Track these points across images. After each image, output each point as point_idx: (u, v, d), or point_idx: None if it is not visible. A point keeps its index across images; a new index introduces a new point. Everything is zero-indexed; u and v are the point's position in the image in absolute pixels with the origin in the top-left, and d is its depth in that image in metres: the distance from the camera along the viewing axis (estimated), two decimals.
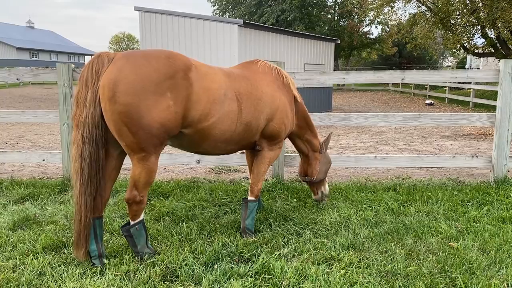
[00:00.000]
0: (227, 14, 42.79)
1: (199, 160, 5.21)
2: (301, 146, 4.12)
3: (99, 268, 2.84)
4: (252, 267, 2.87)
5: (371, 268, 2.89)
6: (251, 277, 2.76)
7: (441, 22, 18.15)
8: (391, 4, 20.27)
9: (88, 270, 2.83)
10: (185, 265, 2.90)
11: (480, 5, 16.50)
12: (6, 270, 2.83)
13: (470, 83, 19.06)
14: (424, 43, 20.34)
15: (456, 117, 5.09)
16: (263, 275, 2.79)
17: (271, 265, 2.87)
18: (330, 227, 3.64)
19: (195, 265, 2.89)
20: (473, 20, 17.43)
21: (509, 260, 2.99)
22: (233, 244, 3.25)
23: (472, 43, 19.54)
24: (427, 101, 21.07)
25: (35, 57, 57.58)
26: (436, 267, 2.89)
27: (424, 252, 3.14)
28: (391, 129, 11.67)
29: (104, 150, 2.88)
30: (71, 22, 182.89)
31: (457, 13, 18.14)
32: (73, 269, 2.84)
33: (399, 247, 3.23)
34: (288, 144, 6.60)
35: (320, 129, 11.58)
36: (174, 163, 5.29)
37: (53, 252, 3.12)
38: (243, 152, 4.52)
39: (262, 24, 20.66)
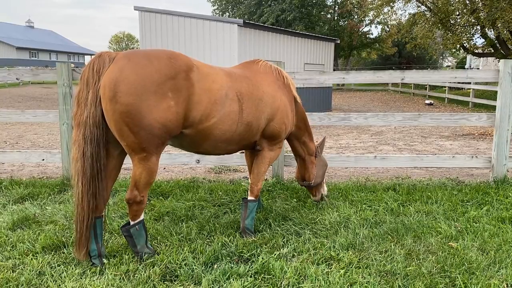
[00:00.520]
0: (227, 14, 42.79)
1: (198, 160, 5.21)
2: (298, 148, 4.14)
3: (98, 268, 2.84)
4: (252, 267, 2.87)
5: (370, 268, 2.89)
6: (250, 277, 2.76)
7: (441, 22, 18.15)
8: (391, 4, 20.28)
9: (88, 270, 2.83)
10: (185, 265, 2.90)
11: (480, 5, 16.51)
12: (6, 270, 2.82)
13: (469, 83, 19.07)
14: (423, 43, 20.34)
15: (456, 117, 5.10)
16: (262, 275, 2.79)
17: (270, 265, 2.87)
18: (329, 227, 3.64)
19: (195, 265, 2.89)
20: (473, 20, 17.44)
21: (508, 260, 2.99)
22: (232, 244, 3.25)
23: (472, 43, 19.56)
24: (427, 101, 21.07)
25: (35, 57, 57.53)
26: (435, 267, 2.89)
27: (423, 252, 3.14)
28: (390, 129, 11.67)
29: (104, 150, 2.88)
30: (71, 22, 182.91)
31: (457, 13, 18.15)
32: (72, 268, 2.84)
33: (398, 247, 3.23)
34: (287, 144, 6.61)
35: (320, 129, 11.58)
36: (173, 163, 5.29)
37: (53, 252, 3.12)
38: (243, 152, 4.52)
39: (262, 24, 20.66)
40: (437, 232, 3.53)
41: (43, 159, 5.23)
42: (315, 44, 17.49)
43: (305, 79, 5.26)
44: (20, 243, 3.26)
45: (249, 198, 3.59)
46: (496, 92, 5.39)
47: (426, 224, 3.70)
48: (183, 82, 2.81)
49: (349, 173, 6.16)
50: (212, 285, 2.67)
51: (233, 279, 2.72)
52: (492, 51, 18.94)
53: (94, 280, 2.70)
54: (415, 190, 4.74)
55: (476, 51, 20.57)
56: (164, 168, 6.37)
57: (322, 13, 39.38)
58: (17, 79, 5.29)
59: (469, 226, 3.65)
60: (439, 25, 18.49)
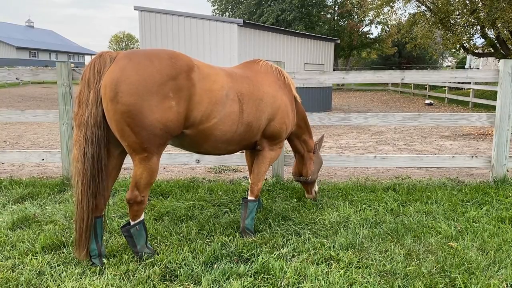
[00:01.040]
0: (227, 13, 42.78)
1: (198, 160, 5.21)
2: (298, 146, 4.18)
3: (98, 268, 2.84)
4: (252, 267, 2.87)
5: (370, 268, 2.89)
6: (250, 276, 2.76)
7: (441, 22, 18.15)
8: (391, 4, 20.28)
9: (87, 270, 2.83)
10: (185, 264, 2.90)
11: (480, 5, 16.51)
12: (5, 270, 2.82)
13: (469, 83, 19.07)
14: (423, 43, 20.33)
15: (456, 117, 5.10)
16: (262, 275, 2.79)
17: (270, 265, 2.87)
18: (329, 227, 3.64)
19: (195, 265, 2.89)
20: (473, 20, 17.44)
21: (508, 260, 2.99)
22: (232, 244, 3.25)
23: (472, 43, 19.55)
24: (427, 101, 21.07)
25: (35, 57, 57.52)
26: (435, 267, 2.89)
27: (423, 252, 3.14)
28: (390, 129, 11.67)
29: (105, 150, 2.88)
30: (71, 22, 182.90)
31: (457, 13, 18.15)
32: (72, 268, 2.84)
33: (398, 247, 3.23)
34: (287, 143, 6.60)
35: (320, 129, 11.58)
36: (173, 162, 5.29)
37: (53, 252, 3.12)
38: (243, 152, 4.52)
39: (262, 24, 20.66)
40: (437, 232, 3.53)
41: (43, 159, 5.23)
42: (315, 44, 17.49)
43: (305, 79, 5.26)
44: (20, 243, 3.26)
45: (249, 198, 3.59)
46: (496, 92, 5.39)
47: (426, 224, 3.70)
48: (184, 82, 2.81)
49: (349, 173, 6.16)
50: (212, 285, 2.67)
51: (233, 279, 2.72)
52: (492, 51, 18.94)
53: (93, 280, 2.70)
54: (415, 190, 4.74)
55: (476, 51, 20.57)
56: (164, 168, 6.37)
57: (322, 13, 39.36)
58: (17, 79, 5.29)
59: (469, 226, 3.65)
60: (439, 25, 18.49)
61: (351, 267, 2.90)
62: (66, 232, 3.48)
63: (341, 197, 4.53)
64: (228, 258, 3.03)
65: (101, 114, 2.71)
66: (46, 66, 42.78)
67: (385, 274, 2.82)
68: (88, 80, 2.73)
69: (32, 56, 57.21)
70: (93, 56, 2.84)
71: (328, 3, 40.22)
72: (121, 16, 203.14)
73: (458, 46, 19.27)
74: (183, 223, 3.71)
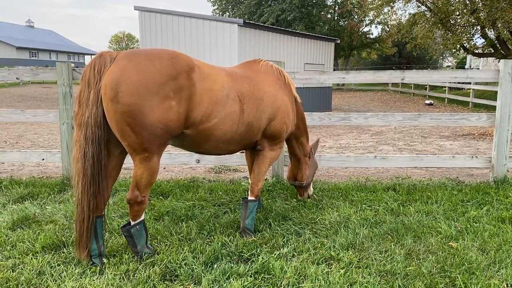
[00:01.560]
0: (227, 13, 42.79)
1: (198, 160, 5.21)
2: (295, 148, 4.20)
3: (98, 268, 2.84)
4: (252, 267, 2.87)
5: (370, 268, 2.89)
6: (250, 276, 2.76)
7: (441, 22, 18.14)
8: (391, 4, 20.27)
9: (88, 270, 2.83)
10: (185, 264, 2.90)
11: (480, 5, 16.50)
12: (6, 269, 2.82)
13: (470, 83, 19.07)
14: (424, 43, 20.32)
15: (456, 117, 5.10)
16: (262, 274, 2.79)
17: (270, 264, 2.87)
18: (329, 227, 3.64)
19: (195, 265, 2.89)
20: (473, 20, 17.43)
21: (508, 260, 2.99)
22: (232, 243, 3.25)
23: (472, 43, 19.54)
24: (427, 101, 21.07)
25: (35, 57, 57.53)
26: (435, 267, 2.89)
27: (423, 252, 3.14)
28: (390, 129, 11.67)
29: (106, 150, 2.88)
30: (71, 22, 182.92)
31: (457, 13, 18.14)
32: (72, 268, 2.84)
33: (398, 247, 3.23)
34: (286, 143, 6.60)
35: (320, 129, 11.58)
36: (173, 162, 5.29)
37: (53, 252, 3.12)
38: (243, 152, 4.52)
39: (262, 24, 20.66)
40: (437, 232, 3.53)
41: (43, 159, 5.23)
42: (315, 44, 17.49)
43: (305, 79, 5.26)
44: (20, 242, 3.26)
45: (249, 198, 3.59)
46: (496, 92, 5.39)
47: (426, 224, 3.70)
48: (184, 82, 2.81)
49: (349, 173, 6.16)
50: (212, 285, 2.67)
51: (233, 279, 2.72)
52: (492, 51, 18.93)
53: (94, 280, 2.70)
54: (415, 190, 4.74)
55: (476, 51, 20.56)
56: (164, 168, 6.37)
57: (322, 13, 39.36)
58: (17, 78, 5.29)
59: (469, 226, 3.65)
60: (439, 25, 18.48)
61: (351, 267, 2.90)
62: (66, 232, 3.48)
63: (341, 197, 4.53)
64: (228, 258, 3.03)
65: (101, 114, 2.71)
66: (46, 66, 42.79)
67: (385, 274, 2.81)
68: (88, 80, 2.72)
69: (32, 56, 57.22)
70: (93, 56, 2.83)
71: (328, 3, 40.23)
72: (121, 16, 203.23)
73: (458, 46, 19.26)
74: (183, 223, 3.71)
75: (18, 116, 5.21)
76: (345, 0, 37.79)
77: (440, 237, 3.42)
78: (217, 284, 2.68)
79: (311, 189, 4.46)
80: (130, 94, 2.61)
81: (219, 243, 3.23)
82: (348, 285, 2.68)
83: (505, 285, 2.68)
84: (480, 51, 20.74)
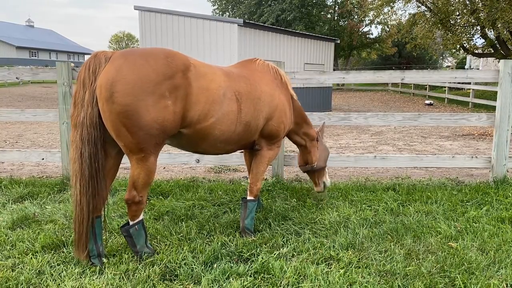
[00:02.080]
0: (227, 13, 42.78)
1: (198, 160, 5.21)
2: (299, 140, 4.14)
3: (98, 267, 2.84)
4: (252, 267, 2.87)
5: (370, 267, 2.89)
6: (250, 276, 2.76)
7: (441, 22, 18.14)
8: (391, 4, 20.26)
9: (87, 269, 2.83)
10: (184, 264, 2.90)
11: (480, 5, 16.49)
12: (5, 269, 2.82)
13: (469, 83, 19.07)
14: (423, 43, 20.32)
15: (456, 117, 5.10)
16: (262, 274, 2.79)
17: (270, 264, 2.87)
18: (329, 227, 3.64)
19: (194, 265, 2.89)
20: (473, 21, 17.43)
21: (508, 260, 2.99)
22: (232, 243, 3.25)
23: (472, 43, 19.53)
24: (427, 101, 21.08)
25: (35, 56, 57.53)
26: (435, 267, 2.90)
27: (423, 252, 3.14)
28: (390, 129, 11.67)
29: (102, 150, 2.87)
30: (71, 21, 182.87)
31: (457, 13, 18.13)
32: (72, 268, 2.84)
33: (398, 247, 3.23)
34: (288, 143, 6.60)
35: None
36: (173, 162, 5.29)
37: (52, 251, 3.12)
38: (243, 152, 4.51)
39: (262, 24, 20.66)
40: (436, 232, 3.53)
41: (43, 158, 5.23)
42: (315, 44, 17.49)
43: (305, 79, 5.26)
44: (20, 242, 3.26)
45: (249, 198, 3.58)
46: (496, 92, 5.39)
47: (425, 224, 3.70)
48: (180, 82, 2.79)
49: (349, 173, 6.16)
50: (211, 285, 2.67)
51: (232, 279, 2.72)
52: (492, 51, 18.93)
53: (93, 280, 2.70)
54: (414, 190, 4.74)
55: (476, 51, 20.55)
56: (164, 168, 6.37)
57: (322, 13, 39.36)
58: (17, 78, 5.30)
59: (468, 226, 3.65)
60: (439, 25, 18.47)
61: (351, 267, 2.90)
62: (66, 232, 3.48)
63: (341, 197, 4.53)
64: (228, 257, 3.03)
65: (96, 115, 2.70)
66: (46, 65, 42.79)
67: (385, 274, 2.82)
68: (84, 80, 2.71)
69: (32, 56, 57.23)
70: (89, 56, 2.82)
71: (328, 3, 40.24)
72: (121, 15, 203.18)
73: (458, 46, 19.25)
74: (183, 222, 3.71)
75: (18, 116, 5.21)
76: (345, 0, 37.79)
77: (439, 237, 3.42)
78: (216, 284, 2.68)
79: (328, 179, 4.30)
80: (126, 94, 2.59)
81: (219, 243, 3.23)
82: (347, 285, 2.68)
83: (505, 285, 2.68)
84: (480, 51, 20.74)
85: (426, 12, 19.45)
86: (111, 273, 2.77)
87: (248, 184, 3.67)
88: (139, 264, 2.90)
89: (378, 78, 5.15)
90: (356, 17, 39.01)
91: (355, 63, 50.39)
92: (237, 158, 5.17)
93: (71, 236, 3.33)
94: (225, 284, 2.67)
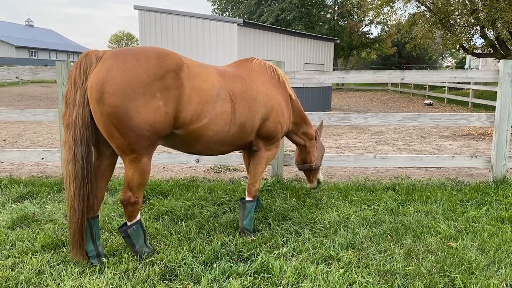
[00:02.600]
0: (227, 13, 42.77)
1: (198, 159, 5.21)
2: (298, 140, 4.13)
3: (98, 267, 2.84)
4: (251, 266, 2.87)
5: (370, 267, 2.89)
6: (250, 276, 2.76)
7: (441, 22, 18.15)
8: (391, 4, 20.27)
9: (87, 269, 2.83)
10: (184, 264, 2.89)
11: (480, 5, 16.50)
12: (5, 269, 2.82)
13: (469, 83, 19.09)
14: (423, 43, 20.33)
15: (456, 117, 5.10)
16: (262, 274, 2.79)
17: (270, 264, 2.87)
18: (329, 227, 3.64)
19: (194, 264, 2.89)
20: (473, 21, 17.44)
21: (507, 260, 2.99)
22: (232, 243, 3.25)
23: (472, 43, 19.54)
24: (426, 101, 21.09)
25: (34, 56, 57.49)
26: (435, 266, 2.90)
27: (423, 251, 3.14)
28: (390, 129, 11.68)
29: (96, 150, 2.85)
30: (71, 21, 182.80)
31: (457, 13, 18.14)
32: (72, 267, 2.84)
33: (398, 246, 3.23)
34: (287, 143, 6.61)
35: None
36: (173, 162, 5.29)
37: (52, 251, 3.12)
38: (242, 151, 4.51)
39: (262, 24, 20.65)
40: (436, 232, 3.54)
41: (43, 158, 5.23)
42: (314, 43, 17.49)
43: (305, 78, 5.26)
44: (20, 241, 3.26)
45: (247, 198, 3.57)
46: (495, 92, 5.40)
47: (425, 224, 3.70)
48: (172, 82, 2.74)
49: (349, 172, 6.16)
50: (211, 284, 2.67)
51: (232, 278, 2.72)
52: (492, 51, 18.94)
53: (93, 279, 2.70)
54: (414, 190, 4.74)
55: (476, 51, 20.56)
56: (164, 167, 6.37)
57: (322, 12, 39.36)
58: (16, 78, 5.29)
59: (468, 226, 3.65)
60: (438, 25, 18.48)
61: (351, 266, 2.90)
62: (66, 231, 3.47)
63: (341, 196, 4.53)
64: (228, 257, 3.03)
65: (88, 115, 2.67)
66: (46, 65, 42.76)
67: (384, 274, 2.82)
68: (75, 80, 2.67)
69: (32, 55, 57.19)
70: (80, 56, 2.80)
71: (328, 3, 40.23)
72: (121, 15, 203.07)
73: (457, 46, 19.26)
74: (183, 222, 3.71)
75: (17, 115, 5.21)
76: (344, 0, 37.80)
77: (439, 237, 3.42)
78: (216, 284, 2.68)
79: (321, 176, 4.35)
80: (116, 95, 2.55)
81: (219, 243, 3.23)
82: (347, 285, 2.68)
83: (504, 285, 2.68)
84: (479, 51, 20.75)
85: (425, 12, 19.47)
86: (110, 272, 2.77)
87: (247, 184, 3.66)
88: (139, 264, 2.90)
89: (377, 78, 5.15)
90: (355, 17, 39.02)
91: (354, 63, 50.39)
92: (236, 158, 5.17)
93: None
94: (225, 283, 2.67)
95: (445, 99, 21.19)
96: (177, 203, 4.26)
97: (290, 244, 3.26)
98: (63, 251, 3.11)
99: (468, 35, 18.83)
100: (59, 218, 3.79)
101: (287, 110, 3.69)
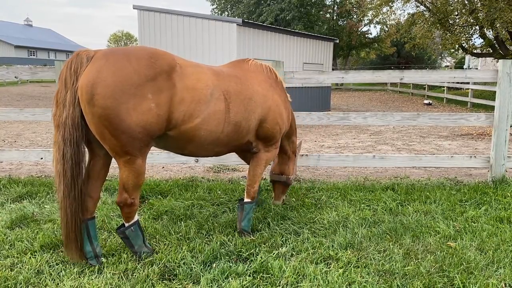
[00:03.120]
0: (226, 13, 42.73)
1: (197, 159, 5.20)
2: (286, 147, 4.13)
3: (97, 267, 2.84)
4: (251, 266, 2.87)
5: (369, 267, 2.90)
6: (249, 276, 2.76)
7: (440, 22, 18.17)
8: (390, 3, 20.29)
9: (86, 269, 2.83)
10: (184, 264, 2.89)
11: (479, 5, 16.52)
12: (4, 269, 2.82)
13: (468, 83, 19.11)
14: (422, 43, 20.35)
15: (455, 117, 5.10)
16: (261, 274, 2.79)
17: (269, 264, 2.87)
18: (328, 227, 3.64)
19: (193, 264, 2.89)
20: (472, 20, 17.46)
21: (506, 260, 3.00)
22: (231, 243, 3.25)
23: (471, 43, 19.56)
24: (426, 101, 21.10)
25: (33, 55, 57.42)
26: (434, 266, 2.90)
27: (422, 251, 3.15)
28: (389, 129, 11.68)
29: (89, 150, 2.84)
30: (70, 20, 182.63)
31: (456, 13, 18.16)
32: (71, 267, 2.84)
33: (397, 246, 3.24)
34: None
35: (319, 128, 11.58)
36: (172, 162, 5.28)
37: (51, 251, 3.12)
38: None
39: (261, 23, 20.65)
40: (435, 231, 3.54)
41: (42, 158, 5.22)
42: (314, 43, 17.49)
43: (304, 78, 5.26)
44: (19, 241, 3.26)
45: (245, 200, 3.56)
46: (494, 92, 5.40)
47: (424, 223, 3.70)
48: (164, 83, 2.71)
49: (348, 172, 6.16)
50: (210, 284, 2.67)
51: (231, 278, 2.72)
52: (491, 51, 18.97)
53: (92, 279, 2.70)
54: (413, 190, 4.74)
55: (475, 51, 20.59)
56: (163, 167, 6.37)
57: (321, 12, 39.35)
58: (15, 77, 5.29)
59: (467, 225, 3.66)
60: (438, 25, 18.51)
61: (350, 266, 2.91)
62: None
63: (340, 196, 4.53)
64: (227, 257, 3.03)
65: (78, 115, 2.64)
66: (45, 65, 42.71)
67: (383, 274, 2.82)
68: (65, 79, 2.64)
69: (31, 55, 57.12)
70: (71, 55, 2.77)
71: (327, 3, 40.23)
72: (120, 15, 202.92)
73: (457, 46, 19.29)
74: (182, 222, 3.71)
75: (16, 115, 5.20)
76: (343, 0, 37.82)
77: (438, 236, 3.43)
78: (216, 284, 2.68)
79: (287, 194, 4.40)
80: (106, 97, 2.52)
81: (218, 243, 3.23)
82: (346, 285, 2.68)
83: (503, 285, 2.69)
84: (478, 51, 20.78)
85: (425, 12, 19.49)
86: (110, 272, 2.77)
87: (245, 185, 3.65)
88: (138, 264, 2.90)
89: (377, 77, 5.15)
90: (355, 16, 39.03)
91: (354, 63, 50.40)
92: (236, 158, 5.15)
93: None
94: (224, 283, 2.67)
95: (444, 99, 21.20)
96: (176, 203, 4.25)
97: (289, 244, 3.26)
98: (62, 251, 3.10)
99: (467, 35, 18.85)
100: (58, 218, 3.78)
101: (286, 110, 3.68)
